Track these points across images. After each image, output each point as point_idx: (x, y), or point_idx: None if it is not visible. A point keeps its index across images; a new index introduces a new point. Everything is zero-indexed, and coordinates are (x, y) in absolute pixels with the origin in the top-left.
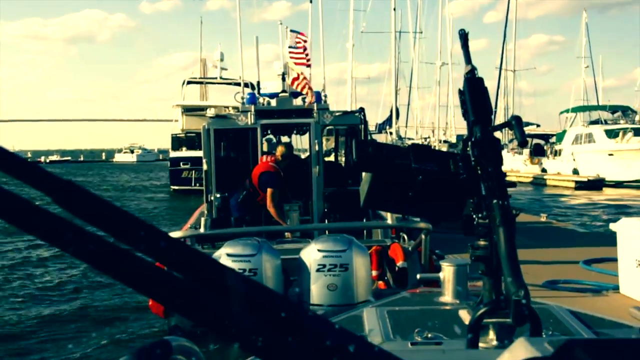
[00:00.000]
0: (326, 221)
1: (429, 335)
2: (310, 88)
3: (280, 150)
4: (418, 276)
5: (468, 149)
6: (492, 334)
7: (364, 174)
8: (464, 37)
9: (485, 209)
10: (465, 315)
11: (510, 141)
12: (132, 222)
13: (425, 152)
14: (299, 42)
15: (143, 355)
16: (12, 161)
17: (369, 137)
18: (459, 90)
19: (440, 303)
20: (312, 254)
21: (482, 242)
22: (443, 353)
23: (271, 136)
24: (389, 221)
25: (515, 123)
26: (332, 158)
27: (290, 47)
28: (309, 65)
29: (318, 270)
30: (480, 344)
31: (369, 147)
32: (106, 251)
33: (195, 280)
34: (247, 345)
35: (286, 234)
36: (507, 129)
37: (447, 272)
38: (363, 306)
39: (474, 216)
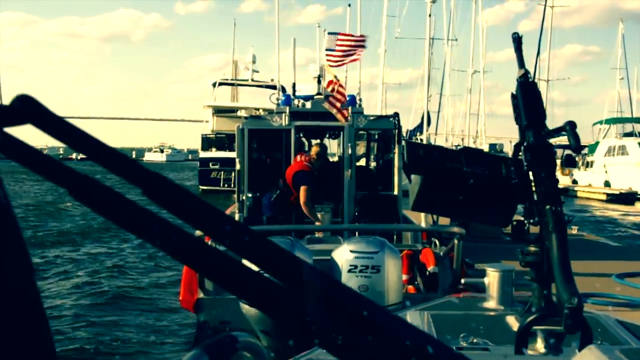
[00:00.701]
0: (356, 224)
1: (475, 340)
2: (341, 103)
3: (314, 150)
4: (462, 280)
5: (520, 153)
6: (540, 342)
7: (413, 176)
8: (517, 40)
9: (537, 214)
10: (512, 322)
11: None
12: (217, 217)
13: (476, 155)
14: (344, 42)
15: (212, 349)
16: (106, 153)
17: (402, 141)
18: (512, 94)
19: (485, 309)
20: (344, 254)
21: (532, 248)
22: (491, 359)
23: (303, 139)
24: (423, 224)
25: (570, 128)
26: (362, 162)
27: (327, 49)
28: (357, 59)
29: (350, 271)
30: (528, 351)
31: (420, 149)
32: (191, 245)
33: (278, 277)
34: (327, 343)
35: (316, 233)
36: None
37: (492, 277)
38: (406, 309)
39: (525, 222)
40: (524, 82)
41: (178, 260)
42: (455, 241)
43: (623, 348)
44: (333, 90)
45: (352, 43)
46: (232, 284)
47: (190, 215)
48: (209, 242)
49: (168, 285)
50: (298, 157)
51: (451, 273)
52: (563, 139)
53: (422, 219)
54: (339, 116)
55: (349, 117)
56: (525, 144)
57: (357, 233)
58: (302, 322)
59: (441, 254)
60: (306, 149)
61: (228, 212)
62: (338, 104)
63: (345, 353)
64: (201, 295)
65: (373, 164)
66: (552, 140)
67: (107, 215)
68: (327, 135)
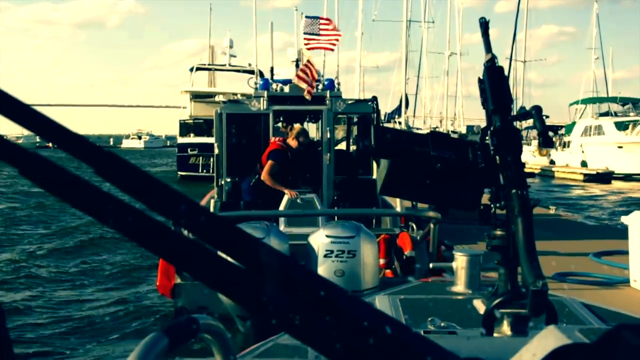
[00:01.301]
0: (335, 208)
1: (443, 324)
2: (307, 81)
3: (294, 131)
4: (431, 265)
5: (487, 137)
6: (506, 324)
7: (382, 160)
8: (484, 25)
9: (503, 198)
10: (479, 305)
11: (526, 129)
12: (172, 196)
13: (444, 140)
14: (323, 27)
15: (172, 332)
16: (56, 132)
17: (381, 124)
18: (479, 78)
19: (453, 293)
20: (320, 239)
21: (499, 232)
22: (458, 342)
23: (279, 124)
24: (398, 209)
25: (536, 113)
26: (343, 146)
27: (305, 33)
28: (331, 49)
29: (326, 255)
30: (495, 334)
31: (387, 134)
32: (146, 225)
33: (234, 257)
34: (284, 324)
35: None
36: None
37: (460, 261)
38: (375, 293)
39: (492, 205)
40: (491, 67)
41: (134, 241)
42: (432, 225)
43: (582, 328)
44: (304, 70)
45: (331, 33)
46: (190, 265)
47: (145, 194)
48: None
49: (144, 270)
50: (272, 139)
51: (428, 256)
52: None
53: (397, 204)
54: (304, 88)
55: (328, 101)
56: (491, 128)
57: (336, 218)
58: (259, 303)
59: (418, 238)
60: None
61: (207, 197)
62: (307, 78)
63: (303, 333)
64: (178, 280)
65: (353, 148)
66: (527, 122)
67: (59, 194)
68: (308, 120)
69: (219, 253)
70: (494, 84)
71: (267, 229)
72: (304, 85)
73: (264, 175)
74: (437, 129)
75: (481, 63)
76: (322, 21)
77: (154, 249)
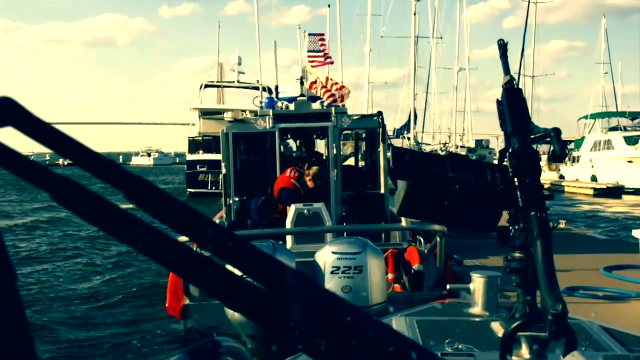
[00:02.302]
0: (344, 224)
1: (460, 346)
2: (329, 91)
3: (312, 171)
4: (448, 287)
5: (506, 159)
6: (525, 348)
7: (399, 182)
8: (503, 47)
9: (522, 221)
10: (497, 328)
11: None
12: (200, 221)
13: (462, 161)
14: (321, 42)
15: (196, 354)
16: (88, 156)
17: (388, 142)
18: (497, 100)
19: (470, 315)
20: (326, 256)
21: (517, 254)
22: None
23: (290, 142)
24: (403, 224)
25: (555, 135)
26: (352, 162)
27: (309, 50)
28: (331, 63)
29: (332, 272)
30: (513, 358)
31: (406, 155)
32: (174, 250)
33: (262, 282)
34: (311, 349)
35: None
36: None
37: (477, 283)
38: (392, 315)
39: (510, 228)
40: (510, 89)
41: (161, 264)
42: (438, 239)
43: (607, 354)
44: (316, 90)
45: (325, 48)
46: (215, 289)
47: (173, 219)
48: (194, 248)
49: (154, 291)
50: (288, 172)
51: (436, 271)
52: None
53: (403, 218)
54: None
55: (333, 117)
56: (510, 150)
57: (345, 234)
58: (285, 328)
59: (426, 251)
60: (295, 151)
61: (217, 217)
62: (331, 95)
63: (329, 358)
64: (187, 301)
65: (362, 163)
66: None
67: (90, 219)
68: (315, 136)
69: (246, 278)
70: (513, 106)
71: (273, 248)
72: (329, 101)
73: None
74: (446, 145)
75: (490, 78)
76: (319, 37)
77: (183, 273)
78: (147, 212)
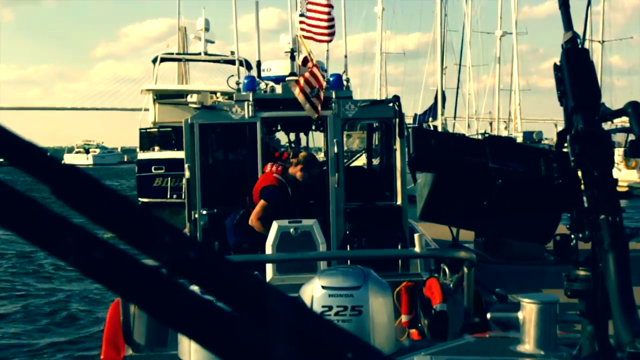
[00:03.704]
0: (348, 248)
1: None
2: (317, 94)
3: (301, 156)
4: (488, 315)
5: (566, 144)
6: None
7: (422, 175)
8: None
9: (588, 227)
10: None
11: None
12: (152, 223)
13: (506, 146)
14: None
15: None
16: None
17: (407, 133)
18: (555, 65)
19: (518, 353)
20: (314, 291)
21: (582, 273)
22: None
23: (277, 136)
24: (417, 249)
25: (633, 111)
26: (362, 162)
27: (301, 15)
28: (328, 41)
29: (322, 314)
30: None
31: (430, 138)
32: (116, 261)
33: (235, 306)
34: None
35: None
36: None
37: (527, 311)
38: (414, 353)
39: (572, 236)
40: (572, 50)
41: (99, 282)
42: (465, 269)
43: None
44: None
45: (325, 17)
46: (172, 315)
47: (116, 221)
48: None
49: (85, 339)
50: (268, 167)
51: (463, 312)
52: (626, 120)
53: (416, 240)
54: (307, 107)
55: (333, 104)
56: (572, 131)
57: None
58: None
59: (450, 285)
60: (284, 147)
61: None
62: (307, 90)
63: None
64: (129, 352)
65: (376, 162)
66: (612, 122)
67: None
68: (313, 128)
69: (213, 300)
70: (576, 73)
71: None
72: (300, 99)
73: (252, 220)
74: (486, 135)
75: (545, 44)
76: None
77: (127, 293)
78: (81, 212)
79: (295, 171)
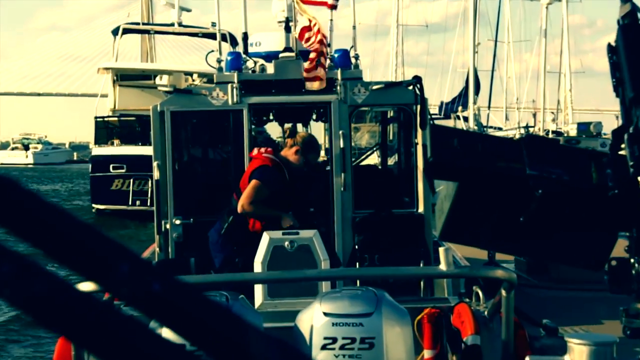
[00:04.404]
0: (357, 265)
1: None
2: (322, 64)
3: (299, 137)
4: (527, 358)
5: (623, 145)
6: None
7: (443, 184)
8: None
9: None
10: None
11: None
12: (108, 249)
13: (549, 149)
14: None
15: None
16: None
17: (430, 124)
18: (609, 46)
19: None
20: (314, 320)
21: None
22: None
23: (269, 127)
24: (442, 266)
25: None
26: (375, 160)
27: None
28: (333, 6)
29: (325, 347)
30: None
31: (453, 138)
32: (64, 298)
33: (206, 349)
34: None
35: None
36: None
37: (577, 353)
38: None
39: (632, 261)
40: (630, 26)
41: (39, 322)
42: (503, 292)
43: None
44: (309, 41)
45: None
46: None
47: (63, 247)
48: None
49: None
50: (255, 151)
51: (501, 347)
52: None
53: (442, 256)
54: (315, 84)
55: (339, 86)
56: (631, 129)
57: (358, 283)
58: None
59: (485, 313)
60: (276, 142)
61: (146, 253)
62: (313, 61)
63: None
64: None
65: (393, 161)
66: None
67: None
68: (314, 118)
69: (181, 341)
70: (636, 55)
71: (226, 303)
72: (315, 85)
73: (243, 205)
74: (529, 129)
75: (603, 14)
76: None
77: (78, 337)
78: (19, 237)
79: (290, 153)
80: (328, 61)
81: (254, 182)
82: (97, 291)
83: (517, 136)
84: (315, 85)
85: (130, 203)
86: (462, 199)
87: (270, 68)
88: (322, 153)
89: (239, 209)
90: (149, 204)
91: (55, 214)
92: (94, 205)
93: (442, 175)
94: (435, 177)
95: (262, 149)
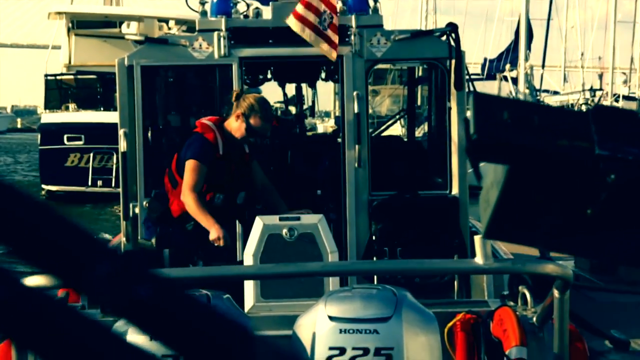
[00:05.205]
0: (374, 259)
1: None
2: (331, 21)
3: (247, 101)
4: None
5: None
6: None
7: (490, 168)
8: None
9: None
10: None
11: None
12: (84, 244)
13: (623, 122)
14: None
15: None
16: None
17: (468, 87)
18: None
19: None
20: (318, 325)
21: None
22: None
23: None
24: (479, 260)
25: None
26: (397, 130)
27: None
28: None
29: (331, 358)
30: None
31: (502, 110)
32: (25, 301)
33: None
34: None
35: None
36: None
37: None
38: None
39: None
40: None
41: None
42: (556, 293)
43: None
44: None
45: None
46: None
47: (24, 239)
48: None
49: None
50: (203, 120)
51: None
52: None
53: (478, 247)
54: (322, 46)
55: (353, 36)
56: None
57: (376, 278)
58: None
59: (534, 320)
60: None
61: (115, 241)
62: (311, 18)
63: None
64: None
65: (420, 131)
66: None
67: None
68: (323, 77)
69: (164, 349)
70: None
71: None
72: (307, 35)
73: (184, 196)
74: (594, 93)
75: None
76: None
77: (35, 345)
78: None
79: (231, 121)
80: (339, 4)
81: (189, 163)
82: (49, 287)
83: (580, 102)
84: (331, 54)
85: (89, 183)
86: (513, 187)
87: (267, 12)
88: (332, 122)
89: (184, 201)
90: (113, 184)
91: (13, 197)
92: (43, 186)
93: (489, 156)
94: (480, 159)
95: (207, 117)
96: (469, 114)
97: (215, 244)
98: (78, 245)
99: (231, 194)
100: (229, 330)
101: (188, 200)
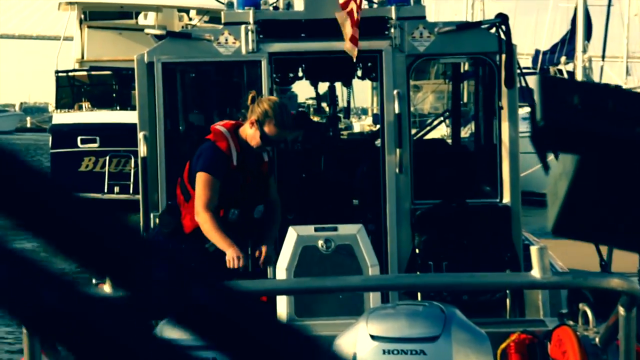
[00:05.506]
0: (418, 273)
1: None
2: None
3: (262, 106)
4: None
5: None
6: None
7: (560, 157)
8: None
9: None
10: None
11: None
12: (137, 244)
13: None
14: None
15: None
16: None
17: (520, 83)
18: None
19: None
20: (359, 345)
21: None
22: None
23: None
24: (535, 273)
25: None
26: (442, 132)
27: None
28: None
29: None
30: None
31: (573, 93)
32: (77, 306)
33: None
34: None
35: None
36: None
37: None
38: None
39: None
40: None
41: (53, 338)
42: (621, 310)
43: None
44: None
45: None
46: None
47: (81, 245)
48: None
49: None
50: (217, 125)
51: None
52: None
53: (535, 259)
54: (347, 45)
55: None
56: None
57: (420, 295)
58: None
59: (596, 340)
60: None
61: None
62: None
63: None
64: None
65: (467, 133)
66: None
67: None
68: (359, 75)
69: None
70: None
71: None
72: (346, 28)
73: (198, 214)
74: None
75: None
76: None
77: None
78: (19, 226)
79: (245, 128)
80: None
81: (200, 176)
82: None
83: None
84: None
85: (106, 190)
86: (585, 178)
87: (299, 4)
88: (369, 121)
89: (198, 220)
90: (131, 190)
91: (62, 197)
92: None
93: (558, 145)
94: (547, 148)
95: (223, 123)
96: (535, 98)
97: (231, 266)
98: (133, 248)
99: (247, 208)
100: (294, 337)
101: (202, 219)
